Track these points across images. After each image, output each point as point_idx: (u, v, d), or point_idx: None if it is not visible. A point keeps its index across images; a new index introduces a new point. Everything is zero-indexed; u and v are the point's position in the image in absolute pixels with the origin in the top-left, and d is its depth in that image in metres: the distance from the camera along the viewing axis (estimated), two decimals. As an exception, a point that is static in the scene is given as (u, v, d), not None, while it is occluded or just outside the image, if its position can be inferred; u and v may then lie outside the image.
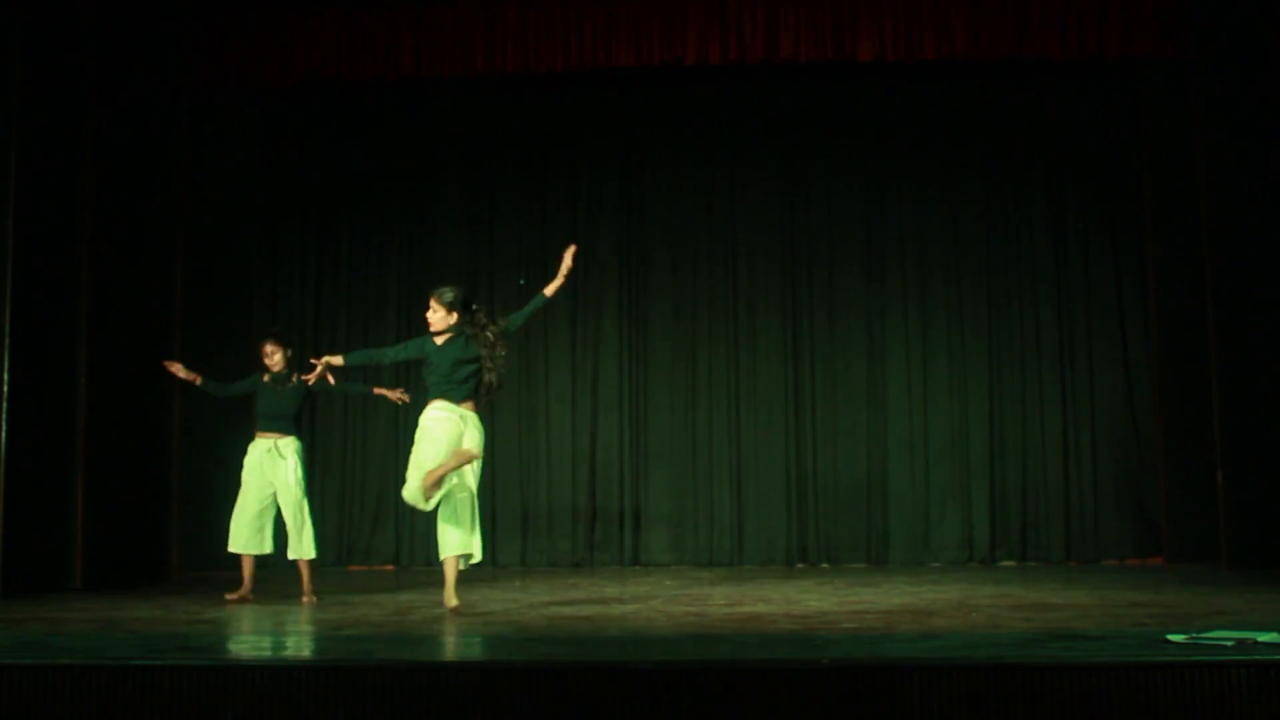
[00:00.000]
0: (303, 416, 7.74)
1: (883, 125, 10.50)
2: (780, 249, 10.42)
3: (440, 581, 6.70)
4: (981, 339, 10.24)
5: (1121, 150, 10.21)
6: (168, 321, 9.27)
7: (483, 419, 6.64)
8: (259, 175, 10.46)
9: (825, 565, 9.93)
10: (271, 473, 7.49)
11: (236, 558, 7.62)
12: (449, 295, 6.66)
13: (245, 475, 7.53)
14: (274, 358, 7.57)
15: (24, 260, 7.65)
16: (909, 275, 10.33)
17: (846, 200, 10.44)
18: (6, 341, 7.50)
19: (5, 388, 7.46)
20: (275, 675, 4.24)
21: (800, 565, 9.96)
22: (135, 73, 8.89)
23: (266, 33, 9.59)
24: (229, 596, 7.35)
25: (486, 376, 6.51)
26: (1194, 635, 4.61)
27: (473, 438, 6.45)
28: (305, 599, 7.33)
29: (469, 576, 8.96)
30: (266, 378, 7.61)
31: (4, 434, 7.44)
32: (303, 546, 7.45)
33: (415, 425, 6.60)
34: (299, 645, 5.34)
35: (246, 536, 7.52)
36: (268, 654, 5.05)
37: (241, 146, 10.32)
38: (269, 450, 7.49)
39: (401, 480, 6.55)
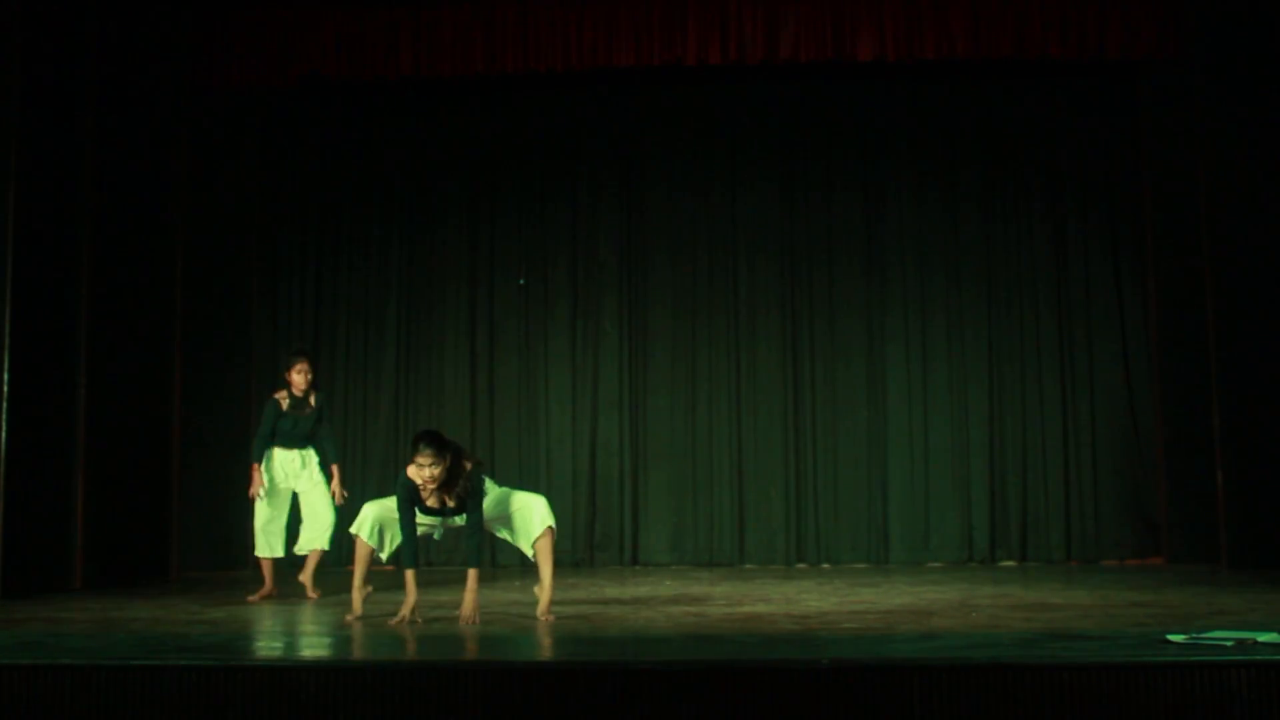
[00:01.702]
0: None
1: (883, 125, 10.50)
2: (780, 249, 10.41)
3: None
4: (981, 338, 10.23)
5: (1122, 150, 10.20)
6: (168, 321, 9.27)
7: None
8: (258, 175, 10.45)
9: (825, 565, 9.93)
10: (295, 479, 7.66)
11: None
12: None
13: (268, 484, 7.57)
14: (306, 377, 7.60)
15: (24, 260, 7.64)
16: (909, 275, 10.32)
17: (846, 200, 10.43)
18: (6, 341, 7.49)
19: (5, 388, 7.46)
20: (275, 675, 4.24)
21: (800, 565, 9.95)
22: (135, 73, 8.89)
23: (266, 33, 9.59)
24: (250, 598, 7.35)
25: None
26: (1194, 635, 4.61)
27: None
28: (312, 595, 7.38)
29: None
30: (285, 404, 7.60)
31: (4, 434, 7.44)
32: (323, 536, 7.62)
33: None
34: (300, 645, 5.34)
35: (274, 543, 7.67)
36: (268, 654, 5.05)
37: (241, 146, 10.31)
38: (291, 460, 7.64)
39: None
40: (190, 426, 9.43)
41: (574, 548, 10.14)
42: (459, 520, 6.12)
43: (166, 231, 9.28)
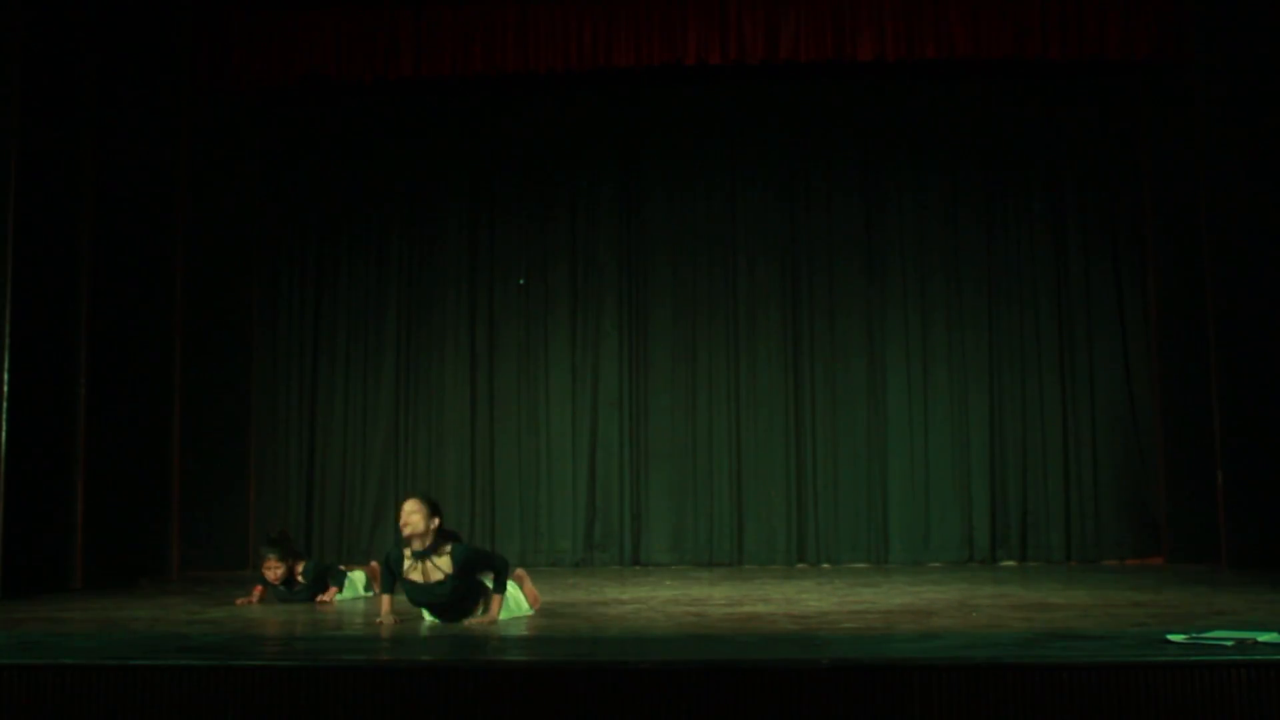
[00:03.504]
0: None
1: (883, 126, 10.50)
2: (780, 249, 10.42)
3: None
4: (981, 339, 10.23)
5: (1122, 150, 10.20)
6: (168, 321, 9.26)
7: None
8: (258, 174, 10.46)
9: (825, 565, 9.93)
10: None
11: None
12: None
13: None
14: (275, 572, 7.11)
15: (24, 261, 7.64)
16: (909, 275, 10.33)
17: (846, 200, 10.44)
18: (6, 341, 7.49)
19: (5, 388, 7.46)
20: (275, 675, 4.24)
21: (800, 565, 9.96)
22: (135, 73, 8.89)
23: (266, 33, 9.59)
24: (240, 601, 7.23)
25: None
26: (1194, 635, 4.61)
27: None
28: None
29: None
30: (275, 582, 7.18)
31: (4, 434, 7.44)
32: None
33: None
34: (300, 646, 5.33)
35: None
36: (268, 654, 5.04)
37: (241, 146, 10.32)
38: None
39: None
40: None
41: (574, 548, 10.16)
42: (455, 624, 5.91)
43: (167, 231, 9.28)
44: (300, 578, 7.19)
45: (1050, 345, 10.18)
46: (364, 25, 9.56)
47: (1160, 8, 9.26)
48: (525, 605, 6.31)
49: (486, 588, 5.91)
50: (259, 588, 7.14)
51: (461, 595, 5.84)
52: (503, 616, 5.92)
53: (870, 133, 10.50)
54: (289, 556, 7.20)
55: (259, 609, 6.88)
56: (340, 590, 7.26)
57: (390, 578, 5.94)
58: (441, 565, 5.80)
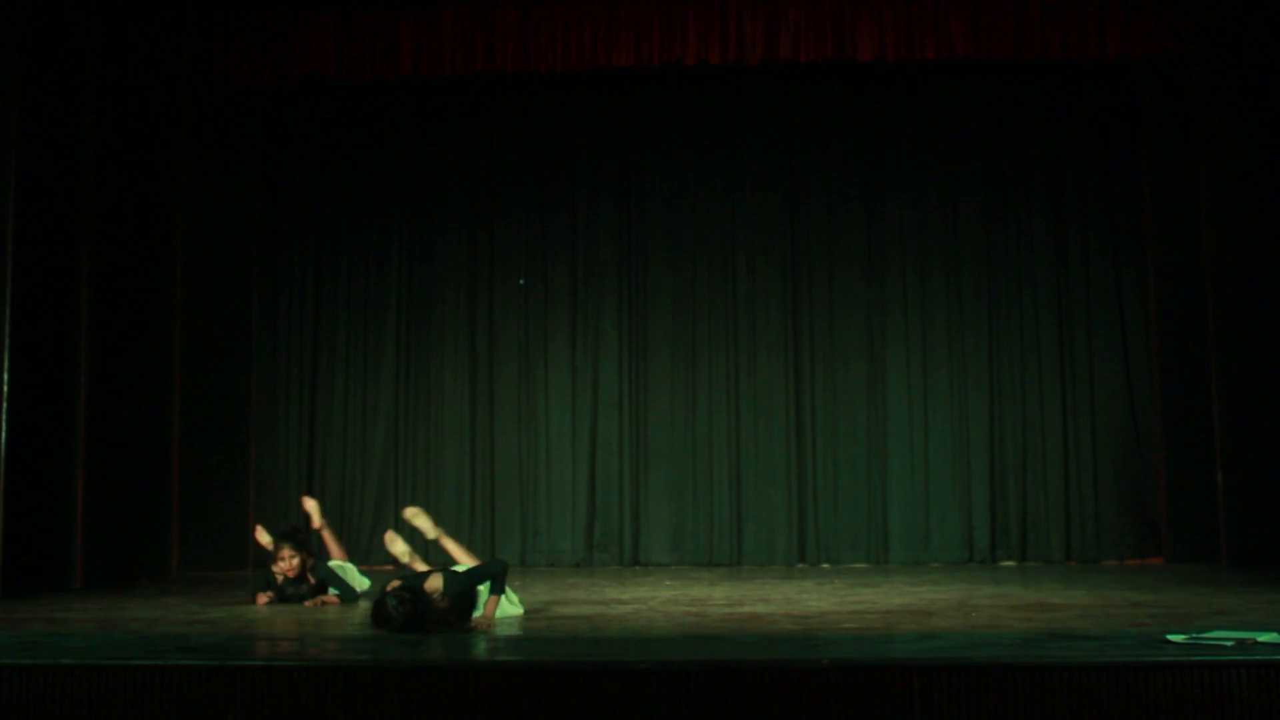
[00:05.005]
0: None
1: (883, 126, 10.50)
2: (780, 249, 10.42)
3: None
4: (982, 339, 10.24)
5: (1122, 150, 10.21)
6: (168, 320, 9.26)
7: None
8: (258, 174, 10.45)
9: (825, 565, 9.93)
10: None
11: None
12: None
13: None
14: (290, 563, 7.01)
15: (24, 261, 7.64)
16: (909, 275, 10.33)
17: (846, 200, 10.44)
18: (6, 341, 7.48)
19: (5, 388, 7.46)
20: (275, 675, 4.24)
21: (800, 565, 9.96)
22: (135, 73, 8.89)
23: (266, 33, 9.61)
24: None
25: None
26: (1194, 635, 4.61)
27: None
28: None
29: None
30: (280, 579, 7.05)
31: (4, 434, 7.43)
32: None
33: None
34: (299, 646, 5.33)
35: None
36: (268, 654, 5.04)
37: (241, 146, 10.31)
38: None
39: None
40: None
41: (574, 548, 10.16)
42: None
43: (166, 231, 9.27)
44: (310, 576, 7.15)
45: (1050, 345, 10.18)
46: (364, 25, 9.58)
47: (1160, 8, 9.27)
48: (519, 605, 6.30)
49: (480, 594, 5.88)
50: (260, 595, 7.05)
51: (463, 612, 5.69)
52: (496, 615, 5.91)
53: (870, 133, 10.50)
54: (303, 550, 7.15)
55: (259, 609, 6.88)
56: (343, 602, 7.15)
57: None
58: (445, 618, 5.51)
